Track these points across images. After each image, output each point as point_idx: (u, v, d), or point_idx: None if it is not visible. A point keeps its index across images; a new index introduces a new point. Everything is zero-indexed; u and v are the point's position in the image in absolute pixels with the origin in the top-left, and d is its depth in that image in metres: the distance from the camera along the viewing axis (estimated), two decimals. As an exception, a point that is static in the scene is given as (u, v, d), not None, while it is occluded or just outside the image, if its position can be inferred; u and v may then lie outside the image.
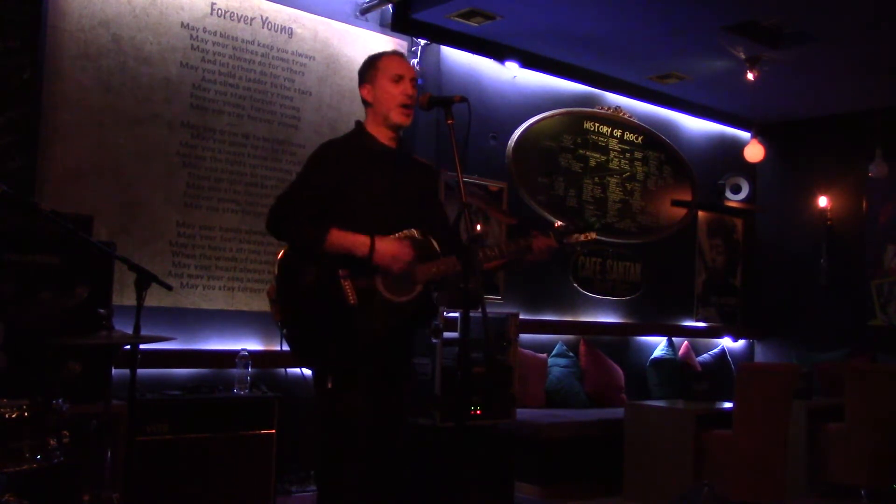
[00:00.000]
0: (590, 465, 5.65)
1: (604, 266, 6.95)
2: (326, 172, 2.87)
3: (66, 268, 3.74)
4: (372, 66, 2.99)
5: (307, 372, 2.91)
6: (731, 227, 8.11)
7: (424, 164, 3.15)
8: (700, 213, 7.76)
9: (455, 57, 6.06)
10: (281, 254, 2.90)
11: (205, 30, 4.92)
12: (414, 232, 2.89)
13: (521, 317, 5.42)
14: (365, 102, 3.00)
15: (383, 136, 2.96)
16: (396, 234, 2.87)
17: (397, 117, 2.92)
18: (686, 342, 7.40)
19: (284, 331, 2.83)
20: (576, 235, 3.05)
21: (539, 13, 5.54)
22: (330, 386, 2.80)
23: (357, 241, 2.79)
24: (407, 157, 3.06)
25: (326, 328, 2.78)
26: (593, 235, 3.07)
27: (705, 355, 7.55)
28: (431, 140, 5.60)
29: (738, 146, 7.77)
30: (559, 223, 3.09)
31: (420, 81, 3.45)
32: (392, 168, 2.95)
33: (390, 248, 2.80)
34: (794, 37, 5.74)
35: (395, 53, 3.07)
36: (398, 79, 2.92)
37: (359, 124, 3.03)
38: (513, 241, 3.02)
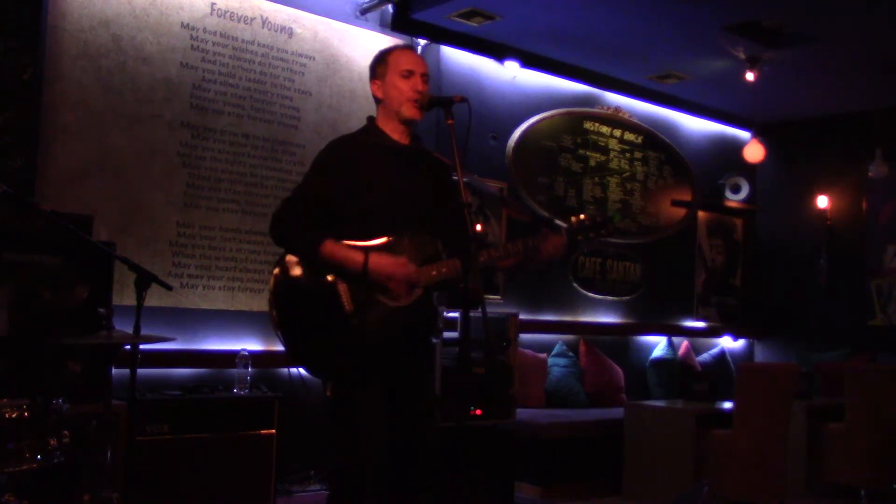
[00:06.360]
0: (590, 465, 5.65)
1: (604, 266, 6.96)
2: (332, 175, 2.80)
3: (66, 268, 3.73)
4: (382, 61, 2.91)
5: (305, 373, 2.88)
6: (731, 227, 8.11)
7: (441, 161, 3.03)
8: (700, 213, 7.75)
9: (455, 57, 6.06)
10: (280, 258, 2.85)
11: (205, 30, 4.92)
12: (406, 236, 2.79)
13: (521, 317, 5.41)
14: (375, 98, 2.93)
15: (395, 131, 2.88)
16: (387, 240, 2.77)
17: (407, 112, 2.83)
18: (686, 342, 7.40)
19: (281, 336, 2.78)
20: (592, 233, 2.89)
21: (539, 13, 5.54)
22: (328, 394, 2.77)
23: (349, 257, 2.70)
24: (421, 153, 2.95)
25: (323, 335, 2.73)
26: (612, 228, 2.89)
27: (705, 355, 7.55)
28: (431, 140, 5.59)
29: (738, 146, 7.76)
30: (575, 217, 2.92)
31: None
32: (403, 165, 2.87)
33: (385, 263, 2.70)
34: (795, 37, 5.74)
35: (405, 48, 3.00)
36: (408, 74, 2.84)
37: (370, 120, 2.95)
38: (519, 240, 2.87)
